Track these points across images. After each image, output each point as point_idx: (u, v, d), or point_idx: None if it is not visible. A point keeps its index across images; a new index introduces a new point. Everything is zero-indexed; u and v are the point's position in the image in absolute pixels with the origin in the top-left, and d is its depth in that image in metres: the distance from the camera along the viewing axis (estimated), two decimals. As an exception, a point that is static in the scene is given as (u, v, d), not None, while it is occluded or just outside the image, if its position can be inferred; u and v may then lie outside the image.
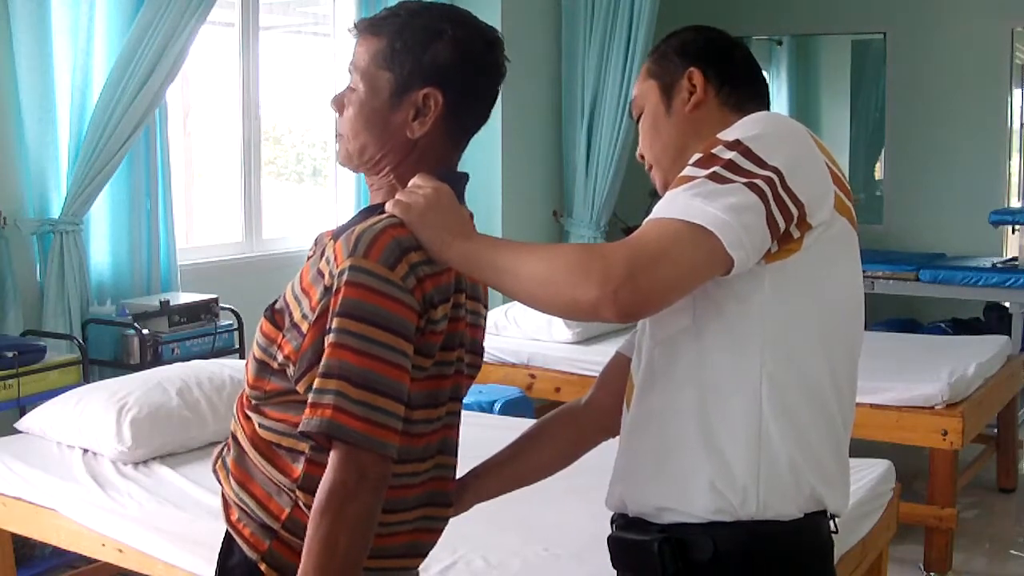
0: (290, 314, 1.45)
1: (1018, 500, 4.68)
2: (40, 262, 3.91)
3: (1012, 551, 4.16)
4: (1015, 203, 6.80)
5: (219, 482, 1.56)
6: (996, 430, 4.64)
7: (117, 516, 2.79)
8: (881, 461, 3.15)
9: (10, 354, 3.40)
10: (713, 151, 1.35)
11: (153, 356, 3.81)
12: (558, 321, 4.65)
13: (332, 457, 1.37)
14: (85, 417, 3.14)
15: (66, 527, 2.90)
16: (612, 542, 1.49)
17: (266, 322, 1.49)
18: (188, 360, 3.70)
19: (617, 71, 5.98)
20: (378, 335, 1.36)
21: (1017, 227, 6.13)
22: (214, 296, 4.11)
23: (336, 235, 1.46)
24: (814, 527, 1.40)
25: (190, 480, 2.94)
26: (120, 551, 2.77)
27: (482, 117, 1.54)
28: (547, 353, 4.61)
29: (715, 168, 1.33)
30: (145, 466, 3.05)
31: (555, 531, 2.57)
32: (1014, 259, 6.03)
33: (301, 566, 1.36)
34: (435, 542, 1.60)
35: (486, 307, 1.61)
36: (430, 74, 1.46)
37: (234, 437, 1.55)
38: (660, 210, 1.32)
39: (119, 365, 3.88)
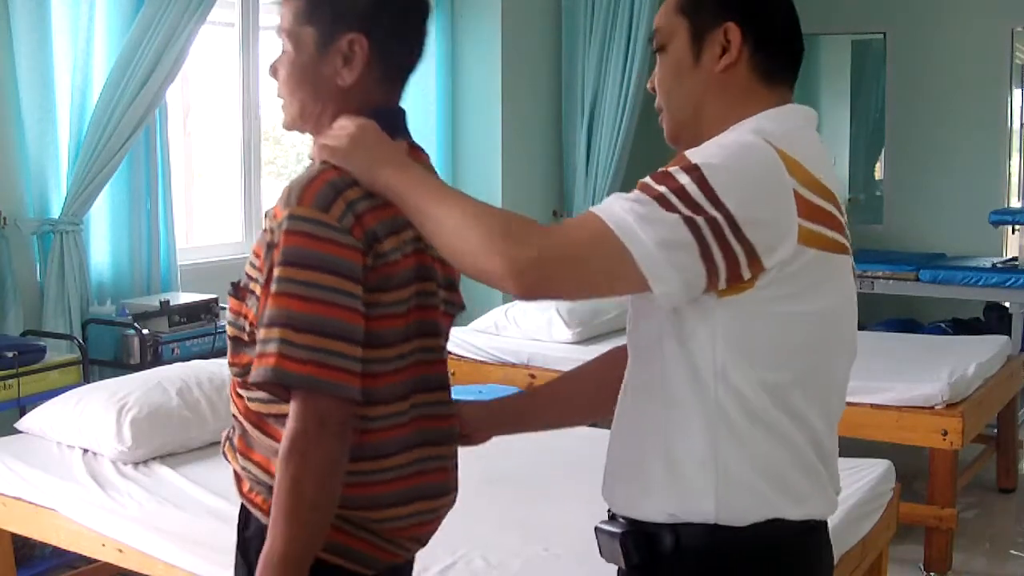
0: (248, 283, 1.47)
1: (1018, 500, 4.67)
2: (40, 262, 3.92)
3: (1012, 551, 4.16)
4: (1015, 203, 6.80)
5: (228, 462, 1.57)
6: (996, 430, 4.64)
7: (117, 516, 2.79)
8: (881, 461, 3.15)
9: (10, 354, 3.40)
10: (671, 169, 1.32)
11: (153, 356, 3.80)
12: (558, 321, 4.66)
13: (291, 405, 1.38)
14: (85, 417, 3.14)
15: (66, 527, 2.90)
16: (595, 532, 1.52)
17: (232, 299, 1.51)
18: (188, 360, 3.70)
19: (617, 71, 5.98)
20: (320, 279, 1.36)
21: (1017, 227, 6.13)
22: (214, 296, 4.11)
23: None
24: (774, 532, 1.39)
25: (190, 480, 2.94)
26: (120, 551, 2.77)
27: (414, 54, 1.55)
28: (547, 353, 4.61)
29: (664, 190, 1.29)
30: (145, 466, 3.05)
31: (555, 531, 2.57)
32: (1014, 259, 6.03)
33: (271, 515, 1.37)
34: (445, 483, 1.58)
35: None
36: (351, 20, 1.47)
37: (235, 417, 1.57)
38: (604, 205, 1.32)
39: (119, 365, 3.88)
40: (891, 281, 6.03)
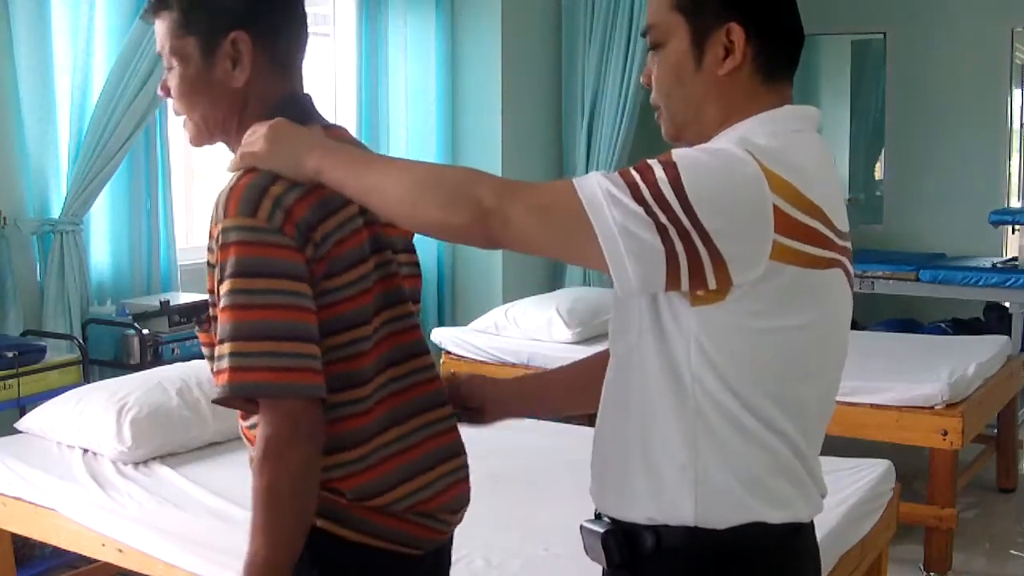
0: (211, 312, 1.46)
1: (1018, 500, 4.67)
2: (40, 262, 3.92)
3: (1012, 551, 4.16)
4: (1015, 203, 6.80)
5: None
6: (996, 430, 4.64)
7: (117, 516, 2.80)
8: (881, 461, 3.16)
9: (10, 354, 3.41)
10: (650, 161, 1.29)
11: (153, 356, 3.81)
12: (558, 321, 4.66)
13: (259, 416, 1.37)
14: (85, 417, 3.14)
15: (66, 527, 2.90)
16: (580, 531, 1.51)
17: (201, 335, 1.51)
18: (188, 360, 3.69)
19: (617, 71, 5.98)
20: (261, 284, 1.35)
21: (1017, 227, 6.14)
22: (214, 296, 4.10)
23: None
24: (754, 535, 1.39)
25: (190, 480, 2.95)
26: (120, 551, 2.77)
27: (300, 37, 1.54)
28: (547, 353, 4.60)
29: (639, 179, 1.26)
30: (145, 466, 3.06)
31: (555, 531, 2.57)
32: (1014, 259, 6.03)
33: (251, 521, 1.37)
34: (451, 446, 1.57)
35: None
36: (228, 20, 1.47)
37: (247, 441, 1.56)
38: (582, 177, 1.30)
39: (119, 365, 3.88)
40: (891, 281, 6.03)
